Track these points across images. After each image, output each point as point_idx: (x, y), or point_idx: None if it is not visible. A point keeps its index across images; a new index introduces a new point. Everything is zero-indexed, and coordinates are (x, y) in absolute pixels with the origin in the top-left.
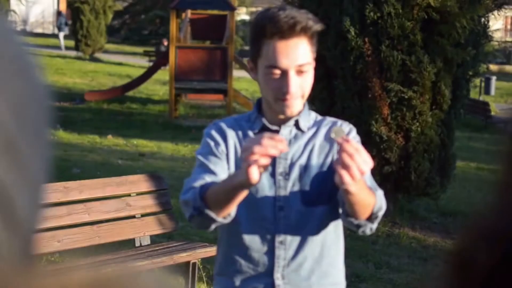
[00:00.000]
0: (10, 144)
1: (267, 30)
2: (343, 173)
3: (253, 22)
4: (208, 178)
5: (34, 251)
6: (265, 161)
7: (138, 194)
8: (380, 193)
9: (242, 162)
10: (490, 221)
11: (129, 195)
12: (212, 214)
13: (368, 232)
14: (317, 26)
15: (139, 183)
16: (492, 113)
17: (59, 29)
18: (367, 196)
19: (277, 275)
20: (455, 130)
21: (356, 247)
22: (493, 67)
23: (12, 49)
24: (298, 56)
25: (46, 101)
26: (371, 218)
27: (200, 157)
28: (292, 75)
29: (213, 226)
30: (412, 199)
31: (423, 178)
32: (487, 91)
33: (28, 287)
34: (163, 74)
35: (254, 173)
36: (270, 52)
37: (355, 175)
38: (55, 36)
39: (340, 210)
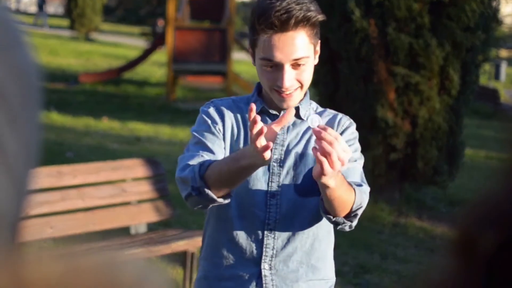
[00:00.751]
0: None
1: (260, 23)
2: (324, 161)
3: (252, 10)
4: (206, 156)
5: (19, 240)
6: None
7: (134, 179)
8: (364, 188)
9: (255, 142)
10: (495, 204)
11: (124, 180)
12: (212, 194)
13: (346, 229)
14: (317, 17)
15: (135, 168)
16: (502, 100)
17: (39, 8)
18: (346, 192)
19: (265, 265)
20: (463, 117)
21: (361, 237)
22: (503, 52)
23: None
24: (294, 51)
25: (35, 82)
26: (349, 215)
27: (197, 134)
28: (287, 69)
29: (210, 206)
30: (419, 188)
31: (430, 166)
32: (496, 77)
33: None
34: (160, 55)
35: (268, 152)
36: (264, 45)
37: (335, 164)
38: (48, 15)
39: (320, 205)
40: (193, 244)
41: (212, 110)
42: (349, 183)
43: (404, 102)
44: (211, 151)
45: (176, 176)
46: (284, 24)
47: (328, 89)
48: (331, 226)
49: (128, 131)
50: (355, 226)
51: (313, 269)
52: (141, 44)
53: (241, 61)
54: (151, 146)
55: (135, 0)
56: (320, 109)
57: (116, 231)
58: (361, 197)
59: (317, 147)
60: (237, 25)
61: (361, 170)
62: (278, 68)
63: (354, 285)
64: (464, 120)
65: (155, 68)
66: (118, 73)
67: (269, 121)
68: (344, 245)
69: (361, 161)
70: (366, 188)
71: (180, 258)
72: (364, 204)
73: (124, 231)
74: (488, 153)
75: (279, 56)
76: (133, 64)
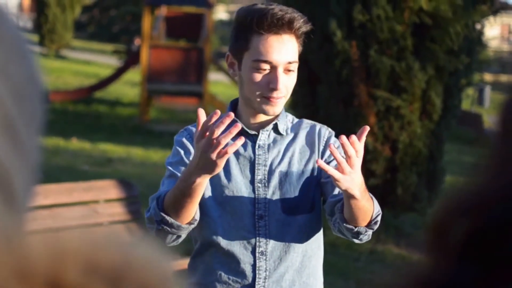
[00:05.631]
0: (9, 125)
1: (261, 23)
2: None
3: (241, 15)
4: None
5: (26, 228)
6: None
7: (107, 201)
8: (374, 199)
9: (207, 153)
10: (467, 195)
11: (97, 201)
12: (176, 222)
13: (365, 239)
14: (309, 26)
15: (108, 189)
16: (485, 126)
17: None
18: (368, 201)
19: (259, 287)
20: (445, 142)
21: (337, 264)
22: (487, 76)
23: (11, 34)
24: (288, 53)
25: (41, 86)
26: (370, 223)
27: (170, 168)
28: (281, 72)
29: (182, 236)
30: (398, 215)
31: (410, 192)
32: (480, 102)
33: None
34: (134, 75)
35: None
36: (262, 46)
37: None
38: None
39: (333, 221)
40: None
41: (184, 140)
42: (367, 191)
43: (384, 126)
44: None
45: (145, 218)
46: (288, 24)
47: (307, 111)
48: (321, 241)
49: (99, 152)
50: (332, 252)
51: (305, 286)
52: (114, 62)
53: (217, 82)
54: (123, 168)
55: (108, 16)
56: (296, 119)
57: None
58: (378, 205)
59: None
60: (214, 45)
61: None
62: (271, 71)
63: None
64: (446, 145)
65: (128, 88)
66: (89, 92)
67: (249, 142)
68: None
69: None
70: (374, 200)
71: None
72: (380, 211)
73: None
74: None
75: (276, 56)
76: (105, 83)
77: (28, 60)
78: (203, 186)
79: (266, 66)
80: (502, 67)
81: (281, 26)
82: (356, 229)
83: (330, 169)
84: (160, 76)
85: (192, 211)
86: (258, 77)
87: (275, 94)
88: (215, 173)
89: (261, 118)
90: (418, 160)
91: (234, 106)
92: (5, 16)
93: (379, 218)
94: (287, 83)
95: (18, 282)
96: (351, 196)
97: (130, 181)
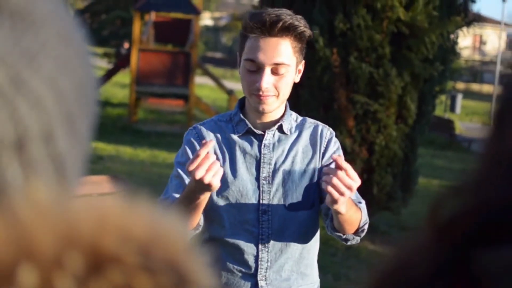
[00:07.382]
0: (69, 118)
1: (251, 25)
2: (332, 192)
3: (243, 18)
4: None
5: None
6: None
7: (100, 195)
8: (363, 205)
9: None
10: (464, 183)
11: (90, 195)
12: None
13: (353, 243)
14: (304, 30)
15: (101, 184)
16: (457, 132)
17: None
18: (355, 213)
19: (260, 276)
20: (419, 146)
21: None
22: (459, 85)
23: (75, 34)
24: (276, 55)
25: (96, 84)
26: (357, 231)
27: (178, 168)
28: (267, 72)
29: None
30: (373, 213)
31: (385, 192)
32: (452, 109)
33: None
34: (123, 77)
35: (216, 182)
36: (250, 46)
37: (345, 193)
38: None
39: (327, 224)
40: None
41: (193, 139)
42: (355, 203)
43: (362, 129)
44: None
45: None
46: (273, 25)
47: None
48: (318, 234)
49: (90, 150)
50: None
51: (302, 276)
52: (104, 64)
53: (203, 85)
54: (113, 165)
55: (99, 20)
56: (300, 118)
57: None
58: (366, 214)
59: (326, 180)
60: (200, 50)
61: None
62: (259, 71)
63: None
64: (420, 149)
65: (118, 89)
66: None
67: (255, 141)
68: None
69: None
70: (364, 204)
71: None
72: (368, 219)
73: None
74: (441, 182)
75: (261, 57)
76: None
77: (87, 59)
78: (204, 201)
79: (254, 66)
80: (473, 76)
81: (270, 27)
82: (344, 237)
83: (333, 194)
84: (148, 79)
85: (196, 220)
86: (247, 75)
87: (260, 92)
88: (214, 190)
89: (266, 118)
90: (394, 162)
91: (241, 104)
92: (71, 16)
93: (366, 227)
94: (276, 83)
95: (64, 246)
96: (337, 212)
97: (121, 176)
